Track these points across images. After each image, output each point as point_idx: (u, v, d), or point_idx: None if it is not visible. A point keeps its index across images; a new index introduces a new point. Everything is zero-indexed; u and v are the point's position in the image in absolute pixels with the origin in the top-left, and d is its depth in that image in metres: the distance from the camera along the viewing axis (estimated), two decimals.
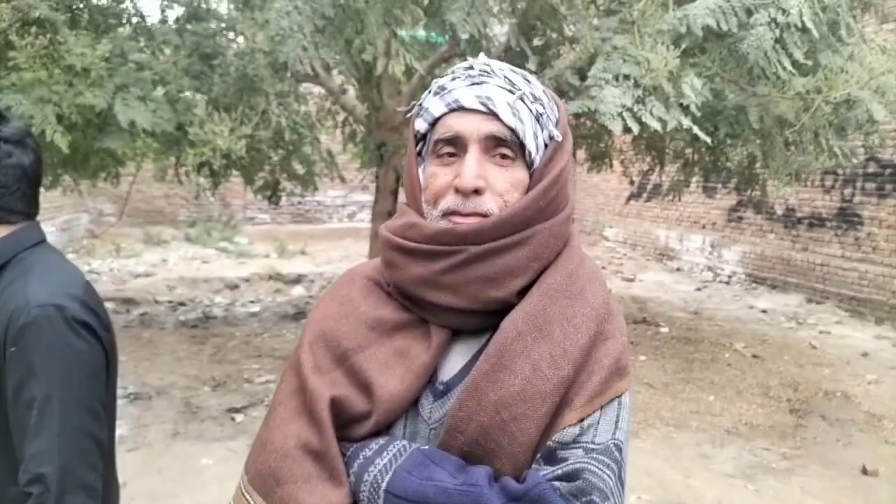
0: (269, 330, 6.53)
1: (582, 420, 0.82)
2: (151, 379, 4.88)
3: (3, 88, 3.83)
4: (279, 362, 5.39)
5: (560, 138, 0.91)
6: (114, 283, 8.42)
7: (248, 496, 0.85)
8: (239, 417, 4.24)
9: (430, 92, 0.93)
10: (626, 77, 3.96)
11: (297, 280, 9.12)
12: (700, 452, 4.03)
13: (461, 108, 0.88)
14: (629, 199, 12.94)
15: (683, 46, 4.01)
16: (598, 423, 0.83)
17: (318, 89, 6.69)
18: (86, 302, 1.22)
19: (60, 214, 10.76)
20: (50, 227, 9.97)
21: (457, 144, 0.88)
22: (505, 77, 0.90)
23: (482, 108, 0.87)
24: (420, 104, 0.94)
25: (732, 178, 6.84)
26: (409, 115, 0.98)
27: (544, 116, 0.91)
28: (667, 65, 3.82)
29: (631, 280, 10.03)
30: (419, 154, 0.95)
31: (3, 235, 1.23)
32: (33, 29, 3.92)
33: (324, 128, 6.97)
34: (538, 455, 0.82)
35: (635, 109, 3.83)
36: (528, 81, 0.92)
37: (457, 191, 0.86)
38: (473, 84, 0.89)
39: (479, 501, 0.77)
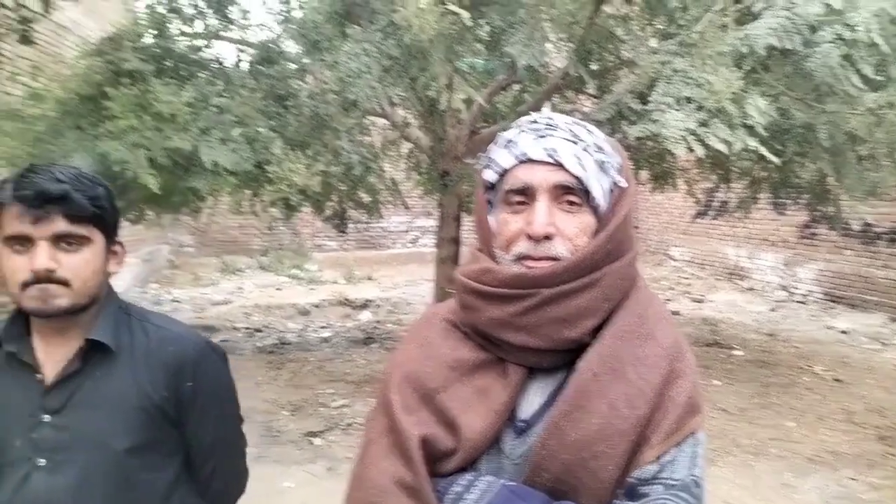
0: (341, 355, 6.71)
1: (660, 457, 0.86)
2: None
3: (100, 136, 4.17)
4: (352, 387, 5.55)
5: (624, 184, 0.97)
6: (195, 311, 8.85)
7: None
8: (317, 441, 4.39)
9: (497, 145, 1.00)
10: (689, 100, 3.94)
11: (365, 305, 9.33)
12: (782, 481, 3.90)
13: (529, 160, 0.94)
14: (695, 217, 12.63)
15: (746, 67, 3.98)
16: (676, 459, 0.87)
17: (381, 120, 6.93)
18: None
19: (143, 247, 11.40)
20: (134, 259, 10.57)
21: (527, 194, 0.94)
22: (569, 129, 0.96)
23: (549, 160, 0.93)
24: (488, 156, 1.01)
25: (804, 195, 6.63)
26: (477, 167, 1.07)
27: (607, 164, 0.96)
28: (730, 86, 3.80)
29: (700, 301, 9.77)
30: (489, 202, 1.02)
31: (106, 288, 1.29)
32: (125, 80, 4.27)
33: (387, 157, 7.19)
34: (620, 491, 0.87)
35: (699, 132, 3.81)
36: (591, 132, 0.98)
37: (529, 237, 0.92)
38: (539, 137, 0.95)
39: None
